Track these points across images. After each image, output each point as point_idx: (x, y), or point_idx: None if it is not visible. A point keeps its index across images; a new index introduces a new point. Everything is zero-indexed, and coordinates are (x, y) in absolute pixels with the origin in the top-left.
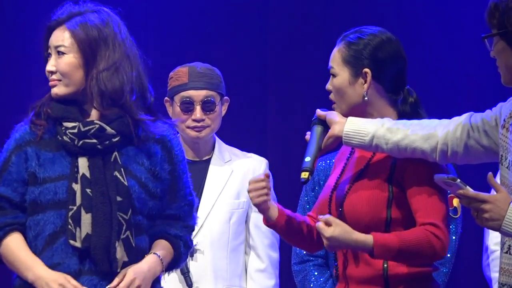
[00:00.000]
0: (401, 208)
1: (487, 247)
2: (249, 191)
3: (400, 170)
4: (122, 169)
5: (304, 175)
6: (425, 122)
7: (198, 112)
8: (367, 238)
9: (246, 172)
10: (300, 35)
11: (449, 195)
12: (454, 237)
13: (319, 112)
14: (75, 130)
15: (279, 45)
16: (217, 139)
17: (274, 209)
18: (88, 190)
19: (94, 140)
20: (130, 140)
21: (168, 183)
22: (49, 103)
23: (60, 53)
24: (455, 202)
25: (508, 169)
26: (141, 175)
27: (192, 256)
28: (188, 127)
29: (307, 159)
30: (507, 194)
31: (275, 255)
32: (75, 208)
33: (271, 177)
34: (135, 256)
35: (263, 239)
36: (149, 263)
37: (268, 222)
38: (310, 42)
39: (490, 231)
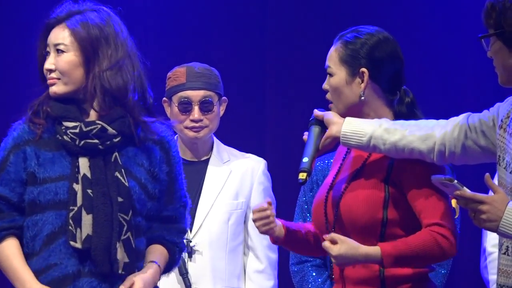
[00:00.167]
0: (398, 209)
1: (484, 249)
2: (254, 221)
3: (398, 170)
4: (122, 170)
5: (302, 176)
6: (423, 122)
7: (196, 113)
8: (375, 250)
9: (245, 173)
10: (299, 35)
11: None
12: None
13: (316, 112)
14: (77, 130)
15: (278, 45)
16: (215, 139)
17: (280, 229)
18: (89, 191)
19: (96, 140)
20: (130, 140)
21: (166, 184)
22: (47, 102)
23: (59, 51)
24: (453, 203)
25: (506, 169)
26: (141, 176)
27: (190, 256)
28: (186, 128)
29: (305, 160)
30: (505, 195)
31: (274, 256)
32: (76, 208)
33: (273, 205)
34: (135, 257)
35: (261, 239)
36: (152, 273)
37: (276, 242)
38: (309, 42)
39: (488, 233)
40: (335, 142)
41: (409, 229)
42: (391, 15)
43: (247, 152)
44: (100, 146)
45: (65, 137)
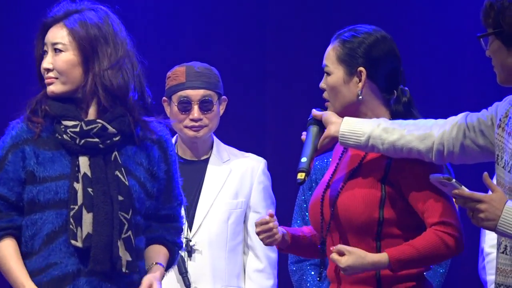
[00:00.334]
0: (394, 208)
1: (482, 250)
2: (258, 234)
3: (396, 170)
4: (122, 169)
5: (301, 176)
6: (421, 122)
7: (195, 112)
8: (382, 257)
9: (245, 172)
10: (299, 35)
11: None
12: None
13: (314, 112)
14: (77, 129)
15: (278, 45)
16: (215, 138)
17: (285, 237)
18: (89, 190)
19: (96, 139)
20: (130, 139)
21: (164, 183)
22: (46, 101)
23: (57, 51)
24: None
25: (504, 168)
26: (140, 174)
27: (190, 256)
28: (186, 127)
29: (303, 159)
30: (503, 194)
31: (274, 255)
32: (76, 207)
33: (275, 217)
34: (136, 256)
35: None
36: (161, 275)
37: (281, 250)
38: (309, 42)
39: (486, 233)
40: (334, 141)
41: (406, 228)
42: (390, 15)
43: (247, 151)
44: (100, 145)
45: (64, 136)
